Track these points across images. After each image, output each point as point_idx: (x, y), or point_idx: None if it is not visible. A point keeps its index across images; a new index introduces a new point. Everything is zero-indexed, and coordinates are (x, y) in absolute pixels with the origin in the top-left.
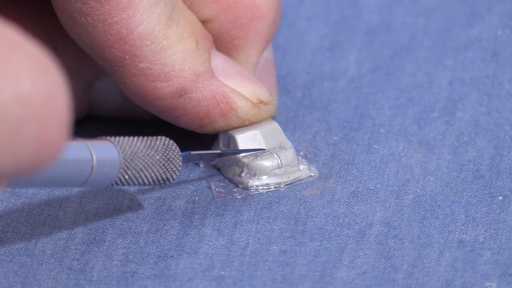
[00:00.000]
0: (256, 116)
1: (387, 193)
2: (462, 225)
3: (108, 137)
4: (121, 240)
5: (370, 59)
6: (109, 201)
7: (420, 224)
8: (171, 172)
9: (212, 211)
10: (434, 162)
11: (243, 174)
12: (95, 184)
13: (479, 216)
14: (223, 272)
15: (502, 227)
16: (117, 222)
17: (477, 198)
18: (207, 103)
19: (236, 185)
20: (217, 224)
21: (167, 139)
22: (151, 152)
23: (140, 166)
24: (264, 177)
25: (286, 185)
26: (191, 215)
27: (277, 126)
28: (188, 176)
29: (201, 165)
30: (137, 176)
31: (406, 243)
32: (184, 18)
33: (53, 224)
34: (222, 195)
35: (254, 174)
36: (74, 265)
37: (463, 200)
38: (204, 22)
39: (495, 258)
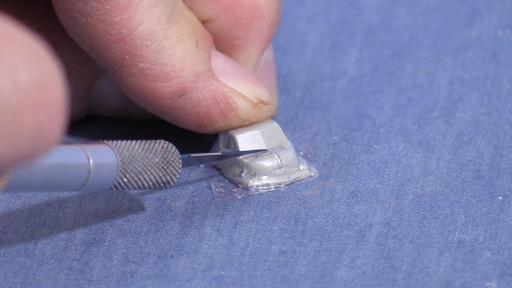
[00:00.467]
0: (256, 116)
1: (387, 193)
2: (462, 225)
3: (106, 141)
4: (121, 240)
5: (370, 59)
6: (109, 201)
7: (420, 224)
8: (170, 175)
9: (212, 211)
10: (434, 162)
11: (243, 174)
12: (93, 188)
13: (479, 216)
14: (223, 272)
15: (502, 227)
16: (117, 222)
17: (477, 198)
18: (207, 103)
19: (236, 185)
20: (217, 224)
21: (166, 142)
22: (150, 155)
23: (139, 169)
24: (264, 177)
25: (286, 185)
26: (191, 215)
27: (277, 126)
28: (188, 177)
29: (201, 165)
30: (136, 179)
31: (406, 243)
32: (184, 18)
33: (53, 224)
34: (222, 195)
35: (254, 174)
36: (74, 265)
37: (463, 200)
38: (204, 22)
39: (495, 258)
